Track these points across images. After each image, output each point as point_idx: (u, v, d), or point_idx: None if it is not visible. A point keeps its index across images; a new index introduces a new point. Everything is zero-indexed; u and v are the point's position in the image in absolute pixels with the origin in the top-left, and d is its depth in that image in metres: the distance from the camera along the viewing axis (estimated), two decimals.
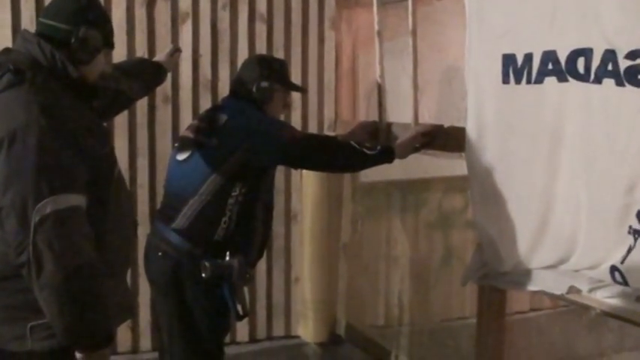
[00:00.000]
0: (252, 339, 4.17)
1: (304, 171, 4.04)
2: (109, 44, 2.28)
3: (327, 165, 3.00)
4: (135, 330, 3.92)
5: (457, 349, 4.03)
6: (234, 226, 2.80)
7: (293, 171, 4.14)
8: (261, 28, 4.05)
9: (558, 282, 2.40)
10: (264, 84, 2.94)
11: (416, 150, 2.95)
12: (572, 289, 2.34)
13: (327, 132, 4.15)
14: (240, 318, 2.93)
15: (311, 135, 2.88)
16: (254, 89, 2.94)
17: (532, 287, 2.50)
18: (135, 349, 3.93)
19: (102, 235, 2.07)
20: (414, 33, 3.20)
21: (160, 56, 3.21)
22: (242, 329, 4.11)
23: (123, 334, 3.89)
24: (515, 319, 4.04)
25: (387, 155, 2.86)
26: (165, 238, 2.85)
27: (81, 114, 2.11)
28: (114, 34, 2.31)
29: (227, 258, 2.77)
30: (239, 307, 2.85)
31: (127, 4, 3.77)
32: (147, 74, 2.99)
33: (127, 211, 2.32)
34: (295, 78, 4.10)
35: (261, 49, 4.04)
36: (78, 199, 1.95)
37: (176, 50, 3.25)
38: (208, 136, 2.87)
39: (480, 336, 2.81)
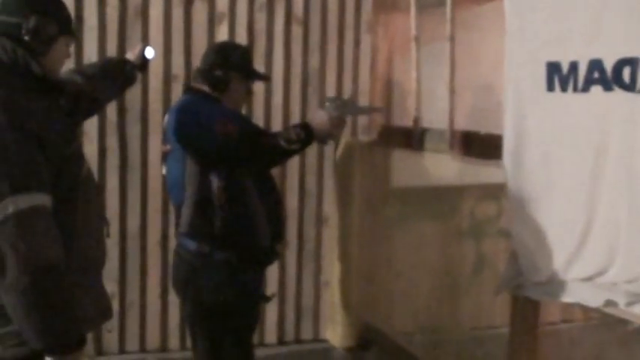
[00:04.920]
0: (281, 341, 4.17)
1: (336, 175, 4.03)
2: (67, 31, 2.18)
3: (252, 165, 2.88)
4: (164, 329, 3.94)
5: (486, 359, 3.99)
6: (230, 215, 2.76)
7: (325, 174, 4.14)
8: (297, 30, 4.05)
9: (595, 294, 2.35)
10: (219, 73, 2.89)
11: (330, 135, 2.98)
12: (609, 302, 2.30)
13: (362, 136, 4.14)
14: (266, 299, 2.95)
15: (244, 134, 2.81)
16: (210, 77, 2.90)
17: (568, 299, 2.46)
18: (164, 348, 3.94)
19: (70, 235, 2.01)
20: (452, 38, 3.17)
21: (129, 54, 3.08)
22: (270, 332, 4.11)
23: (152, 332, 3.91)
24: (546, 331, 3.98)
25: (307, 144, 2.86)
26: (180, 243, 2.88)
27: (45, 112, 2.03)
28: (72, 21, 2.22)
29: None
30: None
31: (164, 4, 3.79)
32: (112, 75, 2.87)
33: (96, 211, 2.25)
34: (330, 81, 4.12)
35: (296, 50, 4.04)
36: (42, 199, 1.89)
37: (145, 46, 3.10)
38: (165, 143, 2.90)
39: (513, 347, 2.77)
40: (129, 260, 3.84)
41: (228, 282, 2.80)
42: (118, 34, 3.73)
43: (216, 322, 2.83)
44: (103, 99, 2.89)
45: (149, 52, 3.03)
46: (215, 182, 2.76)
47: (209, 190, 2.76)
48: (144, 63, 3.04)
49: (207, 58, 2.97)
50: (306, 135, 2.83)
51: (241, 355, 2.92)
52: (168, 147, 2.88)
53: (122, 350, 3.88)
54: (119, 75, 2.91)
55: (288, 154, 2.87)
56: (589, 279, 2.41)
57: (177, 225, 2.91)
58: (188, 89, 3.03)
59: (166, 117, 2.93)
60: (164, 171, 2.96)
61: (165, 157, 2.94)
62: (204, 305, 2.82)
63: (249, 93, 3.13)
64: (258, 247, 2.87)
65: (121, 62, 2.98)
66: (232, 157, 2.75)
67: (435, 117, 3.40)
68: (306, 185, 4.15)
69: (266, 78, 3.31)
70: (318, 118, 2.94)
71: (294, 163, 3.99)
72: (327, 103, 3.06)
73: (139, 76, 3.10)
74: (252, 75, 3.08)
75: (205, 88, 2.91)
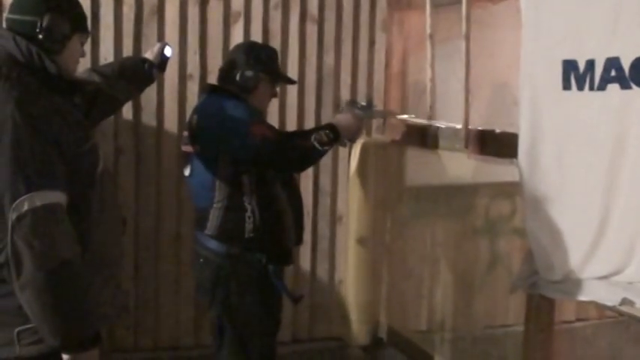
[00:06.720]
0: (295, 339, 4.18)
1: (350, 173, 4.03)
2: (81, 29, 2.20)
3: (287, 169, 2.94)
4: (178, 326, 3.95)
5: (500, 357, 3.98)
6: (260, 218, 2.78)
7: (340, 173, 4.14)
8: (312, 29, 4.05)
9: (611, 293, 2.35)
10: (249, 73, 2.88)
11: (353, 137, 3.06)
12: (625, 301, 2.30)
13: (376, 134, 4.13)
14: (295, 300, 2.98)
15: (280, 137, 2.85)
16: (238, 78, 2.89)
17: (583, 297, 2.45)
18: (178, 345, 3.95)
19: (85, 233, 2.03)
20: (467, 37, 3.16)
21: (148, 53, 3.07)
22: (284, 329, 4.10)
23: (166, 329, 3.92)
24: (561, 329, 3.97)
25: (334, 144, 2.90)
26: (203, 244, 2.88)
27: (60, 110, 2.05)
28: (86, 18, 2.23)
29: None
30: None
31: (180, 3, 3.79)
32: (130, 74, 2.88)
33: (112, 208, 2.27)
34: (345, 79, 4.12)
35: (311, 49, 4.04)
36: (57, 196, 1.91)
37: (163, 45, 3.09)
38: (192, 143, 2.87)
39: (528, 346, 2.76)
40: (143, 258, 3.85)
41: (257, 283, 2.82)
42: (133, 33, 3.74)
43: (245, 322, 2.84)
44: (122, 98, 2.90)
45: (168, 51, 3.03)
46: (247, 187, 2.77)
47: (241, 195, 2.77)
48: (163, 62, 3.02)
49: (235, 58, 2.96)
50: (334, 136, 2.84)
51: (266, 355, 2.93)
52: (192, 148, 2.87)
53: (136, 347, 3.89)
54: (138, 74, 2.91)
55: (320, 155, 2.88)
56: (605, 278, 2.41)
57: (200, 227, 2.90)
58: (212, 89, 3.01)
59: (194, 117, 2.90)
60: (186, 172, 2.94)
61: (189, 158, 2.92)
62: (233, 306, 2.83)
63: (273, 95, 3.12)
64: (285, 249, 2.89)
65: (140, 61, 2.97)
66: (269, 159, 2.75)
67: (450, 115, 3.40)
68: (320, 184, 4.15)
69: (293, 81, 3.31)
70: (344, 120, 2.95)
71: None
72: (347, 106, 3.07)
73: (158, 75, 3.11)
74: (280, 77, 3.08)
75: (232, 88, 2.91)
